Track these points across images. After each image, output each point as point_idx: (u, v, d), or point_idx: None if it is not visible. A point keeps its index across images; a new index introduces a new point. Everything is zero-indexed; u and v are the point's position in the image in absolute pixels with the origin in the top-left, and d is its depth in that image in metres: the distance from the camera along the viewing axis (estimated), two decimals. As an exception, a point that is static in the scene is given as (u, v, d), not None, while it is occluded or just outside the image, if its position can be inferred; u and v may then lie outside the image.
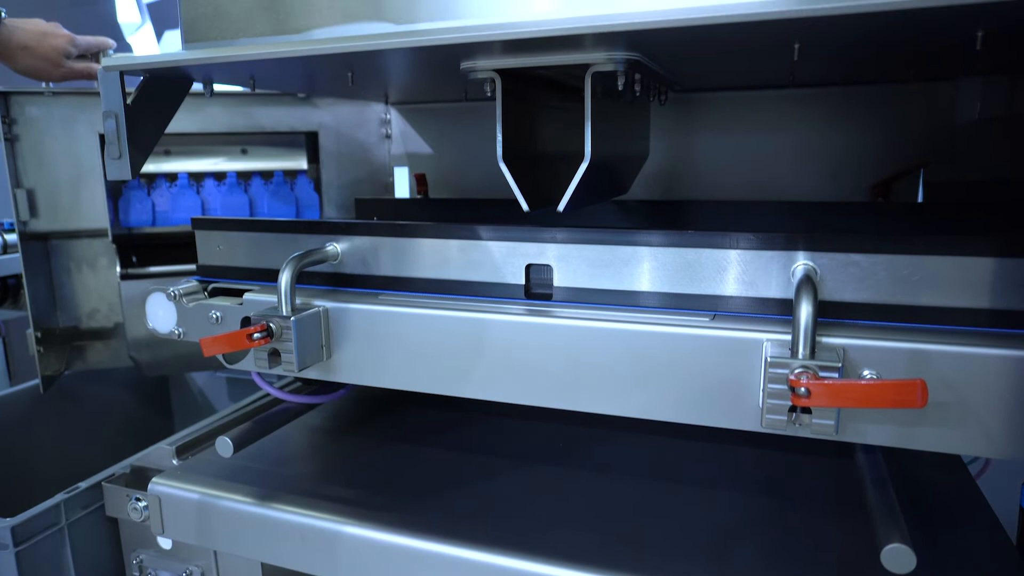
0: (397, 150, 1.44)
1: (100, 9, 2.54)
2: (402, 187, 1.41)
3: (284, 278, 0.77)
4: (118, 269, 1.52)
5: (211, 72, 0.84)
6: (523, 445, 0.99)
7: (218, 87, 0.93)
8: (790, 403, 0.58)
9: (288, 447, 0.99)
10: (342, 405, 1.13)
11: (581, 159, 0.77)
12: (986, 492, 0.87)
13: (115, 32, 2.45)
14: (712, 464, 0.94)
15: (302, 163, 1.56)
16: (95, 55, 1.32)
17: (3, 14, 1.20)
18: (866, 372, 0.61)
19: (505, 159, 0.77)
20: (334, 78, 0.91)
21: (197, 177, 1.56)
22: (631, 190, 1.11)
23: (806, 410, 0.58)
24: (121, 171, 0.79)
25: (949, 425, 0.59)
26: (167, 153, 1.55)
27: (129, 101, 0.78)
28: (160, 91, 0.82)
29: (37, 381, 1.55)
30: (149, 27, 2.35)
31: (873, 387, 0.53)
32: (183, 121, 1.53)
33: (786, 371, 0.58)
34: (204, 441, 0.99)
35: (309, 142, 1.53)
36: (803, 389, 0.55)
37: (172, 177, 1.55)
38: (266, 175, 1.57)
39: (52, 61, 1.25)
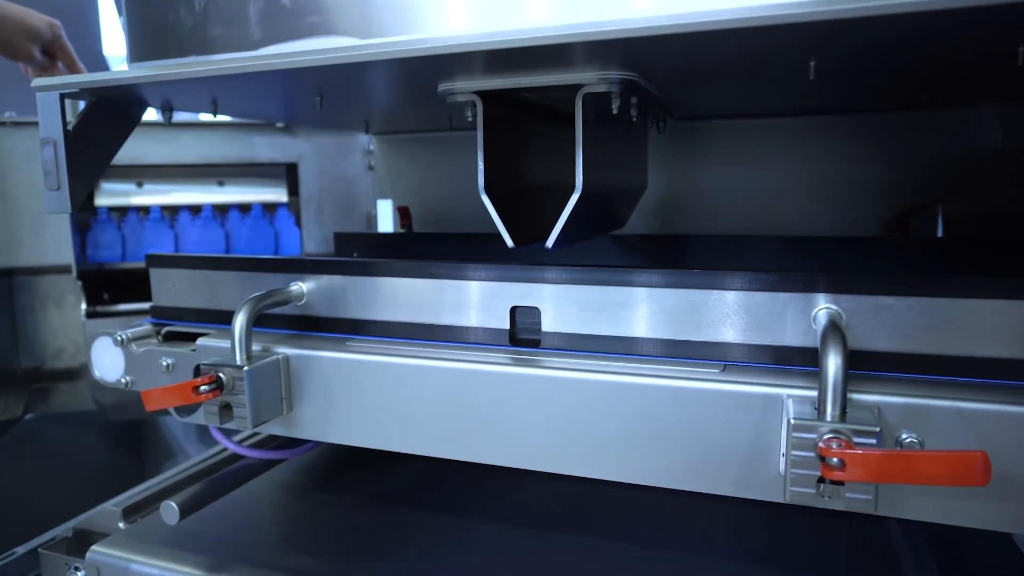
0: (381, 181, 1.37)
1: (87, 42, 2.49)
2: (386, 220, 1.33)
3: (238, 322, 0.68)
4: (83, 307, 1.44)
5: (166, 94, 0.76)
6: (511, 504, 0.90)
7: (188, 116, 0.86)
8: (819, 474, 0.49)
9: (248, 507, 0.89)
10: (310, 456, 1.03)
11: (572, 191, 0.69)
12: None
13: (101, 65, 2.40)
14: (720, 528, 0.84)
15: (282, 195, 1.49)
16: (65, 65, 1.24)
17: None
18: (905, 435, 0.52)
19: (487, 190, 0.69)
20: (302, 101, 0.84)
21: (171, 210, 1.49)
22: (628, 224, 1.03)
23: (838, 480, 0.49)
24: (60, 204, 0.71)
25: (1007, 499, 0.50)
26: (139, 185, 1.48)
27: (71, 127, 0.70)
28: (107, 116, 0.74)
29: (-10, 428, 1.45)
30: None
31: (922, 460, 0.44)
32: (156, 152, 1.46)
33: (814, 436, 0.49)
34: (155, 501, 0.89)
35: (289, 174, 1.46)
36: (836, 459, 0.46)
37: (144, 210, 1.47)
38: (244, 208, 1.49)
39: (28, 40, 1.15)
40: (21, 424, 1.54)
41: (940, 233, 1.02)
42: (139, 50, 0.68)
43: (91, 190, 0.73)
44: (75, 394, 1.58)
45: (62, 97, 0.69)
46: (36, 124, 1.31)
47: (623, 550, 0.79)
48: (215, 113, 0.82)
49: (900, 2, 0.41)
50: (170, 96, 0.77)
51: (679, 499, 0.89)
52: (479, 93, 0.69)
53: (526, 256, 0.75)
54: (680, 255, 1.06)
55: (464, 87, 0.69)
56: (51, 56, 1.19)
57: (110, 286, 1.51)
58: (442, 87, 0.69)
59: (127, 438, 1.79)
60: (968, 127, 1.02)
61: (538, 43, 0.52)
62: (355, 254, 1.23)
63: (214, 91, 0.76)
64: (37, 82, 0.66)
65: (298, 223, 1.47)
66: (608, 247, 1.08)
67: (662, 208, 1.17)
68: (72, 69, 1.19)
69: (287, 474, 0.98)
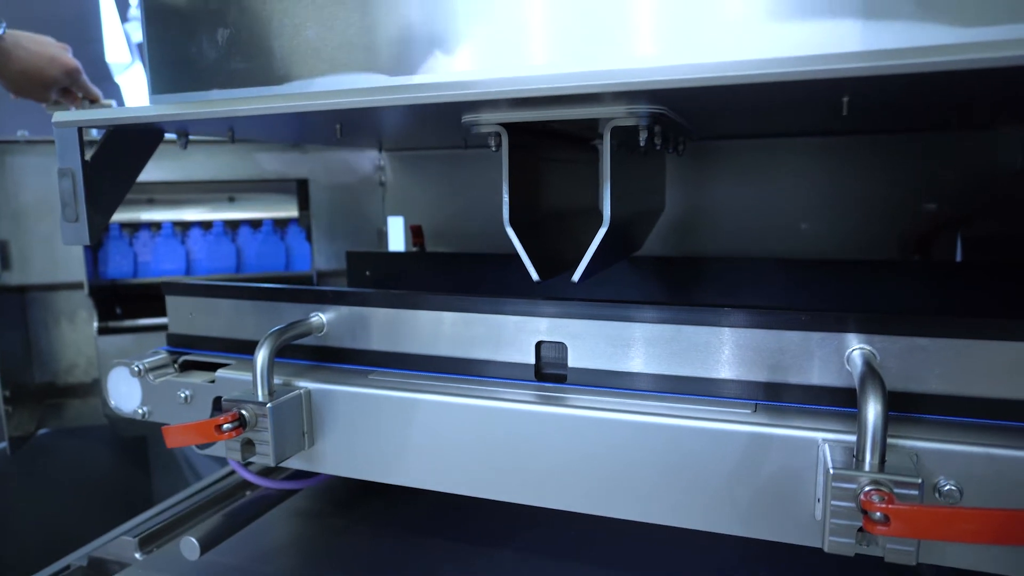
0: (392, 198, 1.36)
1: (90, 48, 2.49)
2: (396, 237, 1.32)
3: (260, 358, 0.68)
4: (95, 323, 1.43)
5: (184, 124, 0.75)
6: (530, 534, 0.89)
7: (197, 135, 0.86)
8: (860, 524, 0.48)
9: (265, 536, 0.89)
10: (329, 484, 1.02)
11: (595, 216, 0.68)
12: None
13: (103, 71, 2.39)
14: (744, 561, 0.83)
15: (292, 211, 1.48)
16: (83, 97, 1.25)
17: (2, 30, 1.12)
18: (944, 483, 0.52)
19: (512, 223, 0.68)
20: (321, 130, 0.83)
21: (182, 226, 1.48)
22: (645, 244, 1.03)
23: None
24: (78, 236, 0.70)
25: (1050, 551, 0.49)
26: (150, 202, 1.47)
27: (89, 157, 0.70)
28: (126, 145, 0.73)
29: (3, 444, 1.44)
30: (139, 66, 2.29)
31: (968, 518, 0.43)
32: (167, 169, 1.45)
33: (854, 486, 0.48)
34: (172, 529, 0.88)
35: (300, 189, 1.45)
36: (879, 514, 0.45)
37: (156, 226, 1.47)
38: (255, 224, 1.49)
39: (45, 88, 1.18)
40: (35, 439, 1.54)
41: (960, 254, 1.01)
42: (160, 83, 0.67)
43: (108, 220, 0.73)
44: (87, 409, 1.57)
45: (80, 129, 0.68)
46: (48, 142, 1.32)
47: (647, 583, 0.78)
48: (232, 139, 0.81)
49: (934, 61, 0.40)
50: (188, 126, 0.76)
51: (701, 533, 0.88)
52: (504, 124, 0.68)
53: (549, 287, 0.74)
54: (698, 279, 1.05)
55: (489, 119, 0.67)
56: (70, 92, 1.20)
57: (123, 301, 1.50)
58: (466, 118, 0.68)
59: (137, 452, 1.79)
60: (988, 149, 1.01)
61: (570, 92, 0.51)
62: (368, 273, 1.22)
63: (232, 122, 0.75)
64: (58, 116, 0.65)
65: (309, 239, 1.46)
66: (625, 270, 1.07)
67: (678, 228, 1.16)
68: (90, 100, 1.20)
69: (303, 501, 0.97)
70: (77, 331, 1.50)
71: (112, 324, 1.45)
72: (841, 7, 0.50)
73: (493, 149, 0.70)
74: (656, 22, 0.59)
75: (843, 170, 1.09)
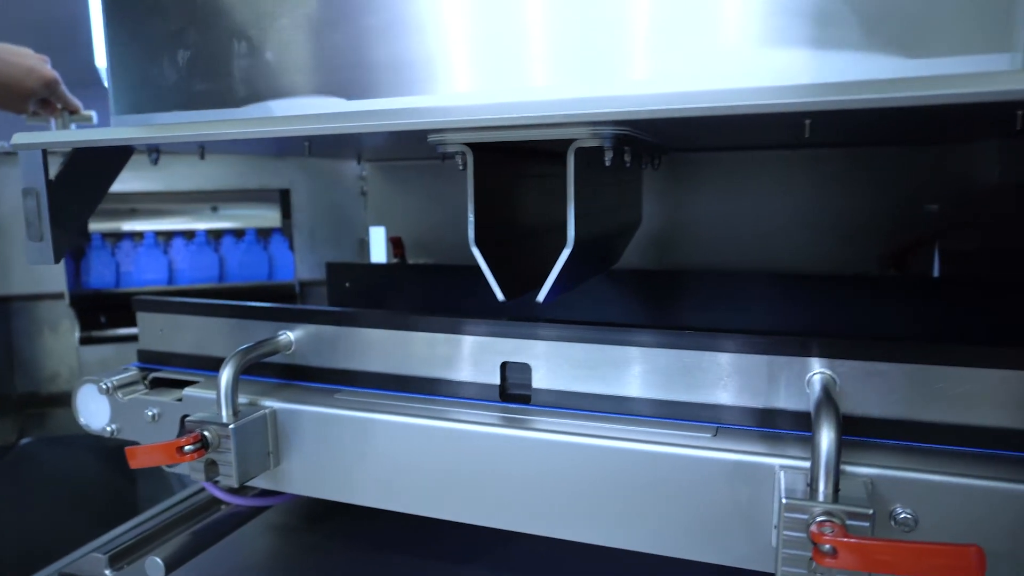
0: (374, 208, 1.35)
1: (79, 53, 2.48)
2: (378, 247, 1.32)
3: (224, 378, 0.67)
4: (77, 333, 1.43)
5: (152, 143, 0.75)
6: (503, 550, 0.88)
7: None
8: (811, 555, 0.48)
9: (236, 553, 0.88)
10: (301, 499, 1.02)
11: (564, 234, 0.68)
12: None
13: (93, 75, 2.39)
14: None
15: (276, 221, 1.48)
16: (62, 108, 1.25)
17: None
18: (900, 510, 0.51)
19: (478, 243, 0.68)
20: (288, 147, 0.83)
21: (165, 236, 1.48)
22: (623, 257, 1.02)
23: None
24: (43, 256, 0.70)
25: (1001, 579, 0.49)
26: (133, 212, 1.47)
27: (53, 176, 0.69)
28: (92, 163, 0.73)
29: (-15, 455, 1.44)
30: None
31: (915, 552, 0.43)
32: (149, 179, 1.45)
33: (805, 517, 0.48)
34: (144, 546, 0.88)
35: (283, 198, 1.45)
36: (828, 546, 0.45)
37: (138, 236, 1.46)
38: (238, 233, 1.48)
39: (23, 99, 1.17)
40: (18, 448, 1.53)
41: (937, 268, 1.01)
42: (123, 103, 0.67)
43: (76, 239, 0.72)
44: (70, 418, 1.56)
45: (44, 151, 0.68)
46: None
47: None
48: (202, 156, 0.81)
49: (891, 96, 0.39)
50: (156, 144, 0.75)
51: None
52: (470, 144, 0.68)
53: (520, 306, 0.74)
54: (676, 293, 1.05)
55: (455, 139, 0.67)
56: (49, 103, 1.20)
57: (106, 310, 1.50)
58: (432, 139, 0.68)
59: (121, 461, 1.78)
60: (967, 161, 1.00)
61: (534, 122, 0.51)
62: (347, 285, 1.22)
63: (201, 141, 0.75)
64: (18, 138, 0.65)
65: (292, 248, 1.46)
66: (602, 284, 1.07)
67: (658, 241, 1.16)
68: (70, 111, 1.20)
69: (275, 516, 0.97)
70: (60, 341, 1.50)
71: (95, 334, 1.45)
72: (795, 38, 0.50)
73: (460, 168, 0.70)
74: (616, 46, 0.59)
75: (822, 182, 1.08)
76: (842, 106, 0.43)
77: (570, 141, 0.65)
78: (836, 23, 0.47)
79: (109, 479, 1.75)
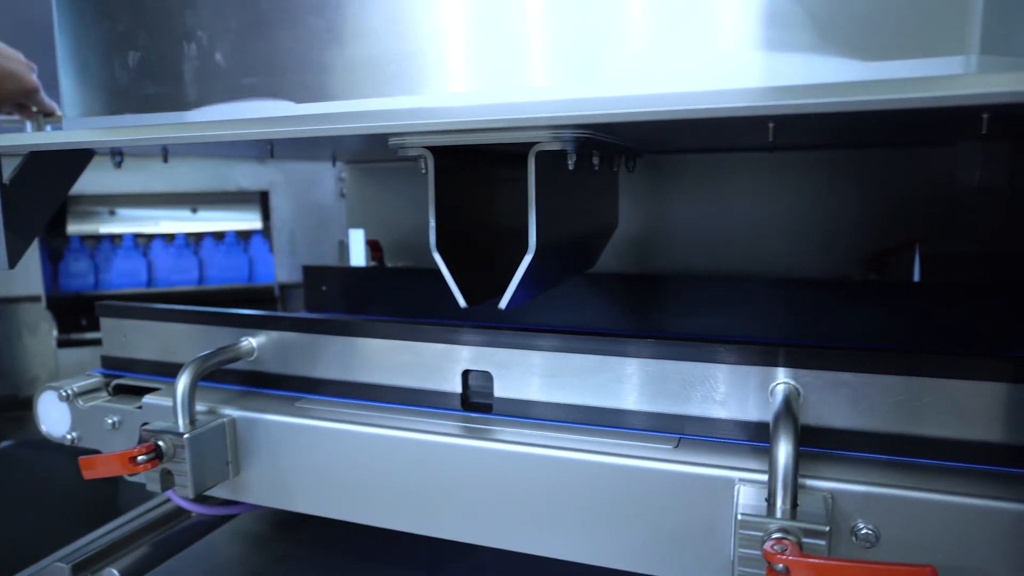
0: (353, 210, 1.34)
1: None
2: (358, 250, 1.31)
3: (180, 386, 0.66)
4: (55, 335, 1.41)
5: (111, 146, 0.74)
6: (473, 558, 0.87)
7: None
8: (765, 574, 0.46)
9: (202, 564, 0.87)
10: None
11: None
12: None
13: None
14: None
15: (256, 222, 1.46)
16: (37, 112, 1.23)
17: None
18: (861, 526, 0.50)
19: (439, 248, 0.66)
20: (250, 150, 0.81)
21: (144, 238, 1.46)
22: (601, 259, 1.01)
23: (787, 579, 0.47)
24: (-4, 261, 0.68)
25: (963, 598, 0.48)
26: (112, 214, 1.45)
27: (7, 179, 0.68)
28: (49, 166, 0.71)
29: (-38, 459, 1.43)
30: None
31: (869, 572, 0.41)
32: (128, 181, 1.44)
33: (760, 534, 0.47)
34: (107, 556, 0.86)
35: (263, 201, 1.43)
36: (781, 566, 0.43)
37: (117, 239, 1.45)
38: (218, 236, 1.47)
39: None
40: (-3, 452, 1.52)
41: (917, 272, 1.00)
42: (76, 105, 0.65)
43: (30, 244, 0.71)
44: (49, 421, 1.55)
45: (-2, 153, 0.66)
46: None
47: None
48: (165, 159, 0.79)
49: (853, 100, 0.38)
50: (105, 147, 0.74)
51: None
52: (430, 148, 0.66)
53: (486, 311, 0.72)
54: (653, 298, 1.04)
55: (414, 142, 0.66)
56: (25, 108, 1.18)
57: (86, 312, 1.49)
58: (393, 142, 0.67)
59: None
60: (946, 165, 0.99)
61: (491, 125, 0.50)
62: (324, 288, 1.20)
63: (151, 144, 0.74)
64: (-35, 142, 0.63)
65: (272, 250, 1.44)
66: (578, 288, 1.06)
67: (636, 244, 1.14)
68: (45, 114, 1.18)
69: (244, 523, 0.96)
70: (39, 343, 1.49)
71: (74, 336, 1.44)
72: (751, 41, 0.48)
73: (422, 172, 0.69)
74: (576, 50, 0.58)
75: (803, 186, 1.07)
76: (797, 110, 0.41)
77: (531, 144, 0.64)
78: (790, 25, 0.45)
79: (90, 484, 1.73)
